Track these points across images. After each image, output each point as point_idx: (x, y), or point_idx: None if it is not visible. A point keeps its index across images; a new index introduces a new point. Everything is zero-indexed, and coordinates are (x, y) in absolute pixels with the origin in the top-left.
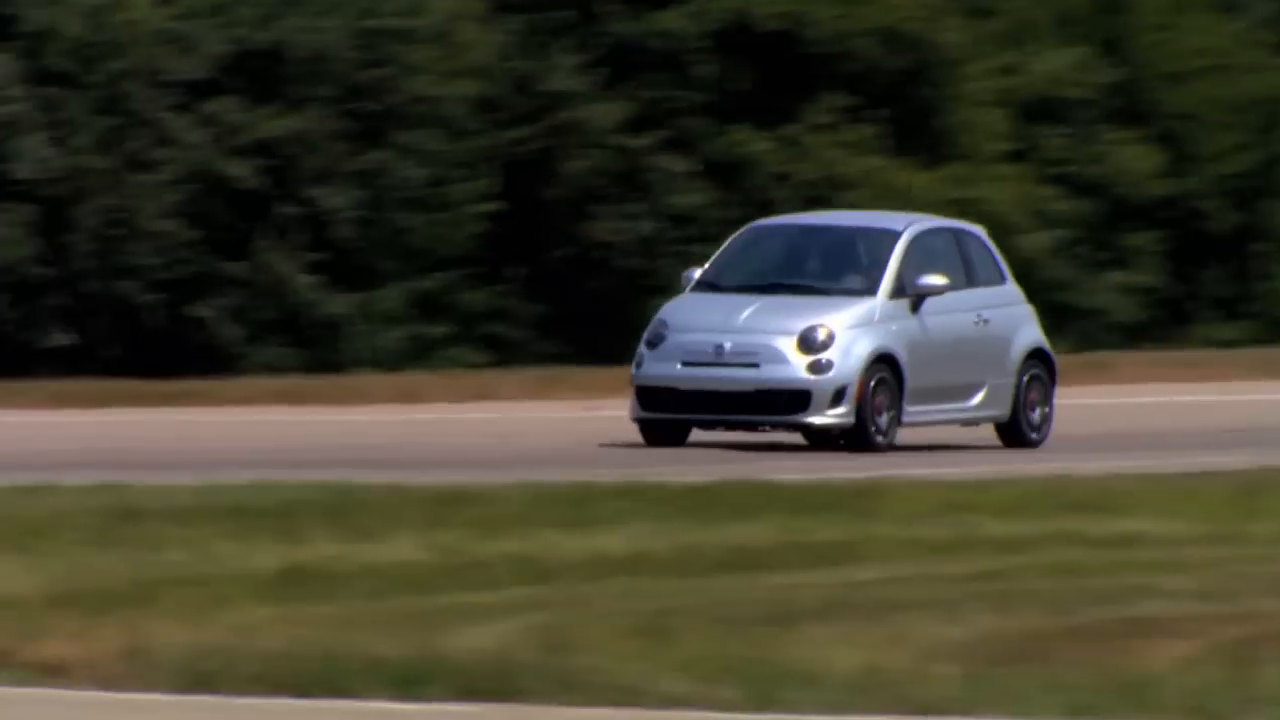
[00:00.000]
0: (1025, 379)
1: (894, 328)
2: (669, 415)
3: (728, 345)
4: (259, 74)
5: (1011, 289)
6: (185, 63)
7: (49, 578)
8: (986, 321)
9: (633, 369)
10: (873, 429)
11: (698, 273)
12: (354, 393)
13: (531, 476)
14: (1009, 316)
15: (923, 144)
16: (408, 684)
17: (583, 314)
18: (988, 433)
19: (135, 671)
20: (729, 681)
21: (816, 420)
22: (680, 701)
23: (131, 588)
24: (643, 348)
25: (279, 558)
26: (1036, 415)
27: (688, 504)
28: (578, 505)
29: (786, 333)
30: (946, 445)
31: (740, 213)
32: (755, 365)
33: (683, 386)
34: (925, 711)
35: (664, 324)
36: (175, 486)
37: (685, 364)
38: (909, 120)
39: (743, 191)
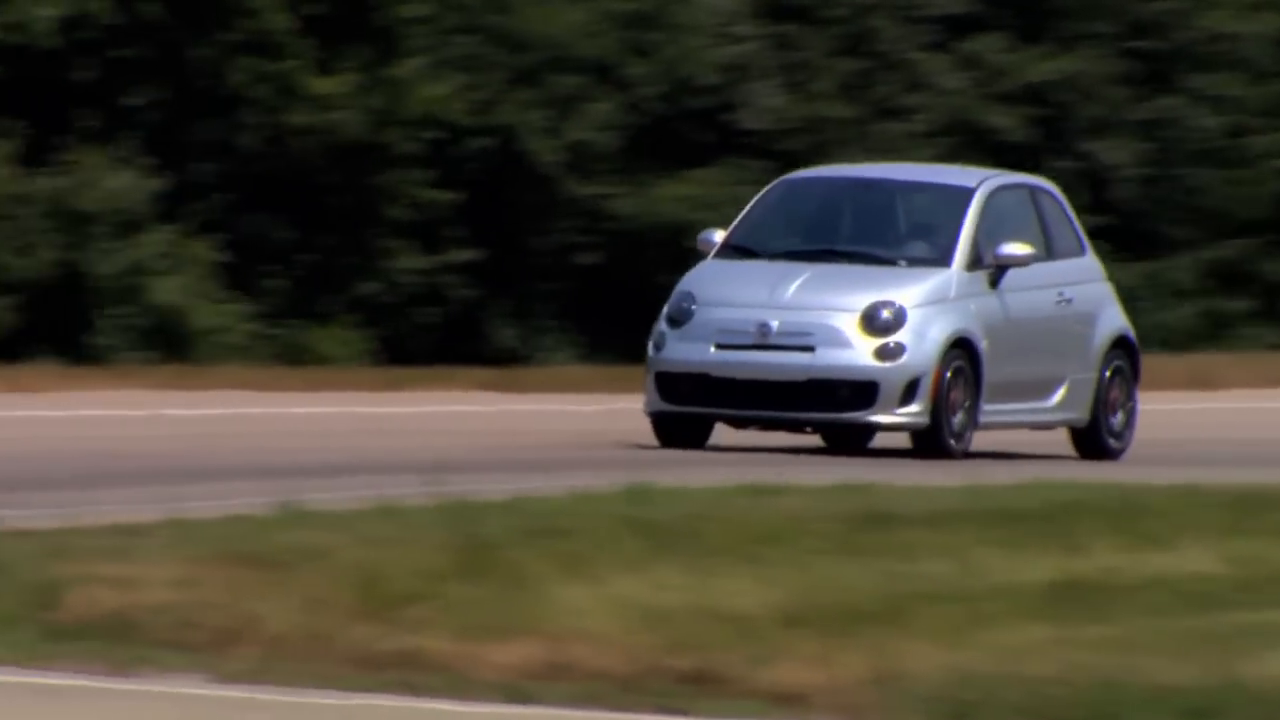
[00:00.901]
0: (1108, 373)
1: (972, 306)
2: (697, 409)
3: (775, 324)
4: (1026, 8)
5: (1092, 261)
6: None
7: (784, 592)
8: (1069, 301)
9: (650, 351)
10: (946, 431)
11: (719, 235)
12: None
13: None
14: (1091, 295)
15: None
16: (1198, 716)
17: None
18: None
19: (885, 701)
20: None
21: (884, 419)
22: None
23: (880, 604)
24: (663, 325)
25: (1051, 569)
26: (1118, 419)
27: None
28: None
29: (847, 310)
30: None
31: None
32: (810, 349)
33: (716, 374)
34: None
35: (689, 296)
36: (931, 488)
37: (720, 346)
38: None
39: None
